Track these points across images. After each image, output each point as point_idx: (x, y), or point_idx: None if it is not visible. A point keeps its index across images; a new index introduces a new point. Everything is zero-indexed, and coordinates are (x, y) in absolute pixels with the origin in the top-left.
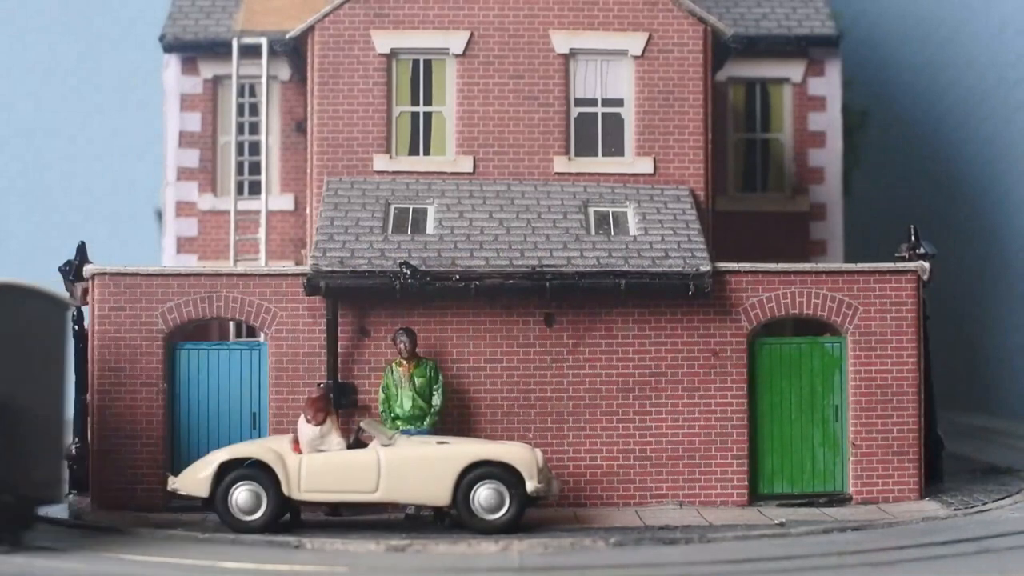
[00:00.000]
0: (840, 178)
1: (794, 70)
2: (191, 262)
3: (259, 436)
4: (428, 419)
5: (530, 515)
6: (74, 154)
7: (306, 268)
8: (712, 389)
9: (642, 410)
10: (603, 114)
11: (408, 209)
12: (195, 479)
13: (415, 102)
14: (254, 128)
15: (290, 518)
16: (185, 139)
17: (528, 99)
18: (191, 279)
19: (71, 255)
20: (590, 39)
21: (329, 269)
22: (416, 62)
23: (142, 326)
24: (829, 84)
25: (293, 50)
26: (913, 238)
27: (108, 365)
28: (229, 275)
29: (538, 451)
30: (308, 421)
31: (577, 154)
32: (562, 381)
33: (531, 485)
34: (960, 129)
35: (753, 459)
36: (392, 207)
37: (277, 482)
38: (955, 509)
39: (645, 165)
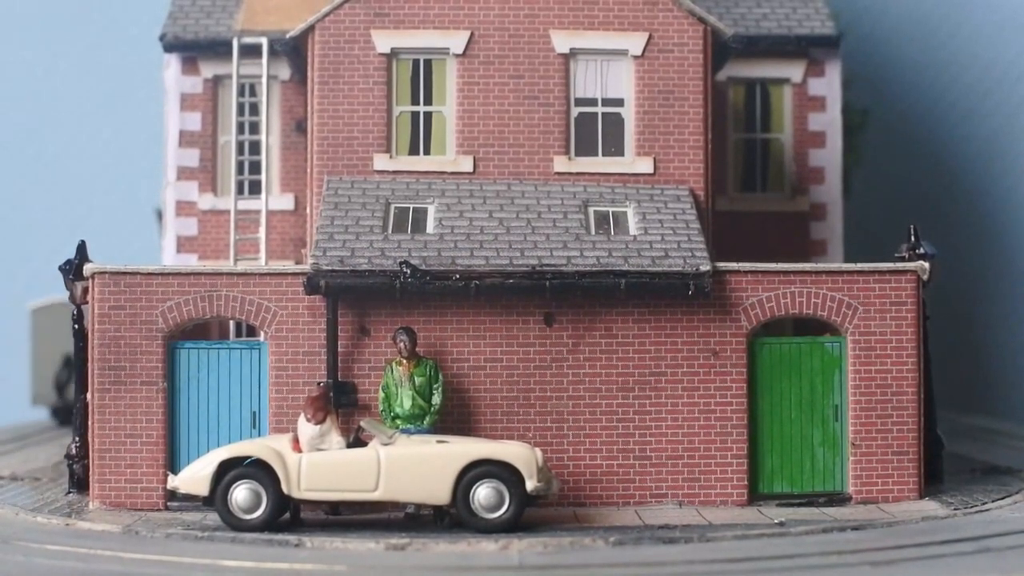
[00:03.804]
0: (840, 178)
1: (794, 70)
2: (191, 261)
3: (259, 435)
4: (428, 418)
5: (530, 514)
6: (74, 153)
7: (306, 267)
8: (712, 389)
9: (642, 409)
10: (603, 114)
11: (408, 209)
12: (195, 478)
13: (415, 102)
14: (254, 128)
15: (290, 517)
16: (185, 139)
17: (528, 99)
18: (191, 278)
19: (71, 254)
20: (590, 39)
21: (329, 268)
22: (416, 62)
23: (142, 325)
24: (829, 84)
25: (293, 50)
26: (913, 238)
27: (108, 364)
28: (229, 274)
29: (538, 450)
30: (308, 420)
31: (577, 154)
32: (562, 380)
33: (531, 484)
34: (961, 127)
35: (753, 459)
36: (392, 206)
37: (277, 481)
38: (955, 509)
39: (645, 165)
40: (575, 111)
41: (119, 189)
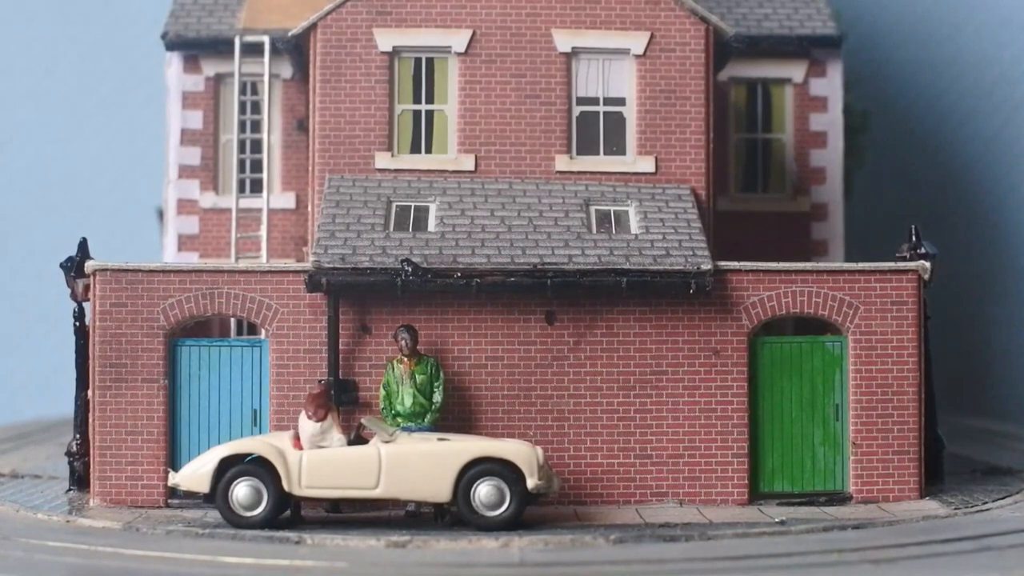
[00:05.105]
0: (841, 178)
1: (796, 70)
2: (192, 260)
3: (260, 433)
4: (429, 416)
5: (530, 512)
6: (75, 152)
7: (308, 265)
8: (713, 388)
9: (643, 408)
10: (605, 113)
11: (410, 207)
12: (196, 475)
13: (417, 100)
14: (256, 126)
15: (290, 514)
16: (187, 137)
17: (530, 98)
18: (192, 275)
19: (73, 252)
20: (592, 38)
21: (331, 266)
22: (418, 60)
23: (143, 322)
24: (831, 84)
25: (295, 48)
26: (914, 238)
27: (109, 361)
28: (231, 272)
29: (539, 448)
30: (309, 417)
31: (579, 153)
32: (563, 379)
33: (532, 482)
34: (962, 128)
35: (753, 458)
36: (394, 205)
37: (278, 478)
38: (955, 508)
39: (647, 164)
40: (577, 110)
41: (120, 188)
